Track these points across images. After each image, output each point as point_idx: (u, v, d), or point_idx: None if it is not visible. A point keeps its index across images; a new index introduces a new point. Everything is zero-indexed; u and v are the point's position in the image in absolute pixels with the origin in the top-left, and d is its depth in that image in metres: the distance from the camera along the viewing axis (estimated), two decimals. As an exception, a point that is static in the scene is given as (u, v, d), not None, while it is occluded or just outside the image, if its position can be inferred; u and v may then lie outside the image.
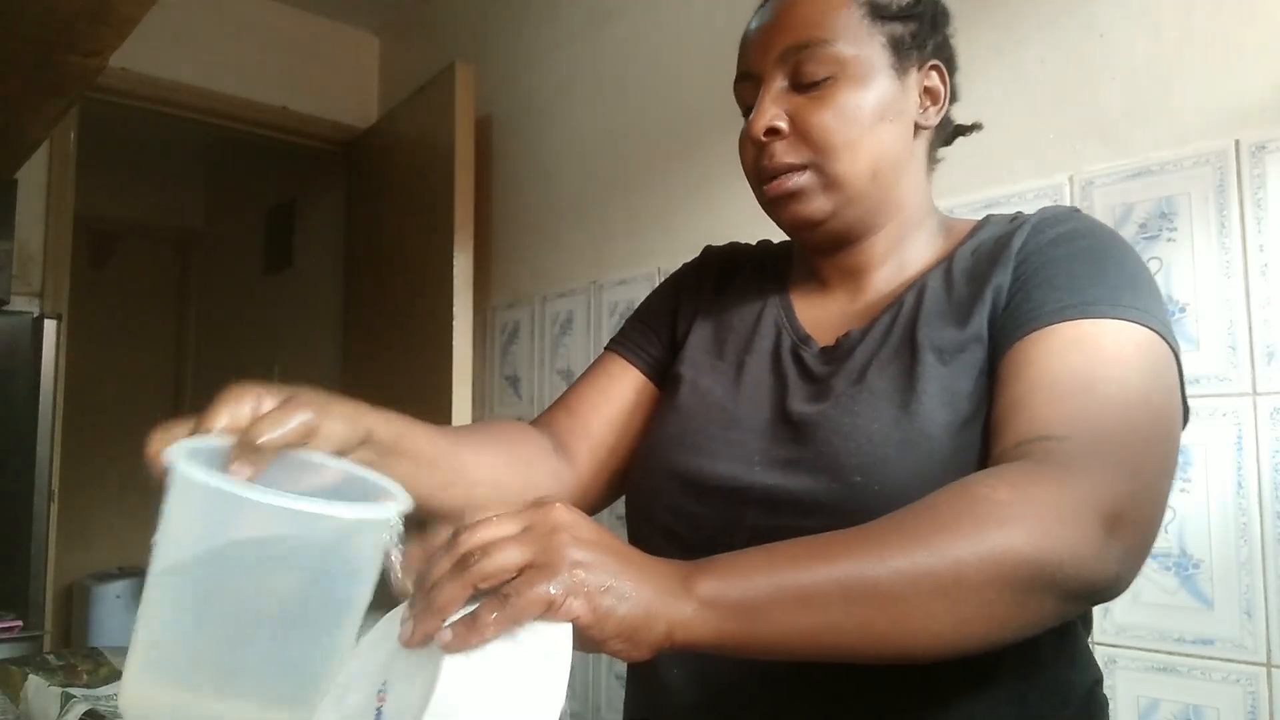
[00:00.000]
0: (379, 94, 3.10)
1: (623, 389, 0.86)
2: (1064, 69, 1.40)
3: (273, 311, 3.74)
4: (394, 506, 0.51)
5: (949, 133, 0.83)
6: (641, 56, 2.12)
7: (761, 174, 0.75)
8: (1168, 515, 1.26)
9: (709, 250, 0.94)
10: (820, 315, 0.79)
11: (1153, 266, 1.29)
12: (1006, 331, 0.66)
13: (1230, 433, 1.21)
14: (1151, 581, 1.26)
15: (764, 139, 0.73)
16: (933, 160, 0.82)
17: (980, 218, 0.80)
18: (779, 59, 0.75)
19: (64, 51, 1.31)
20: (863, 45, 0.72)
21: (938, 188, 1.40)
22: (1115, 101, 1.35)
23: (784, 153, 0.73)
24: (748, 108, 0.77)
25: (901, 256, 0.78)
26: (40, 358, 1.92)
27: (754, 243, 0.97)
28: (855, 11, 0.73)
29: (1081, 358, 0.62)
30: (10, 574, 1.85)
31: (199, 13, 2.70)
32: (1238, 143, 1.23)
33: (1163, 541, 1.26)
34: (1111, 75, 1.35)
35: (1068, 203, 1.38)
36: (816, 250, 0.80)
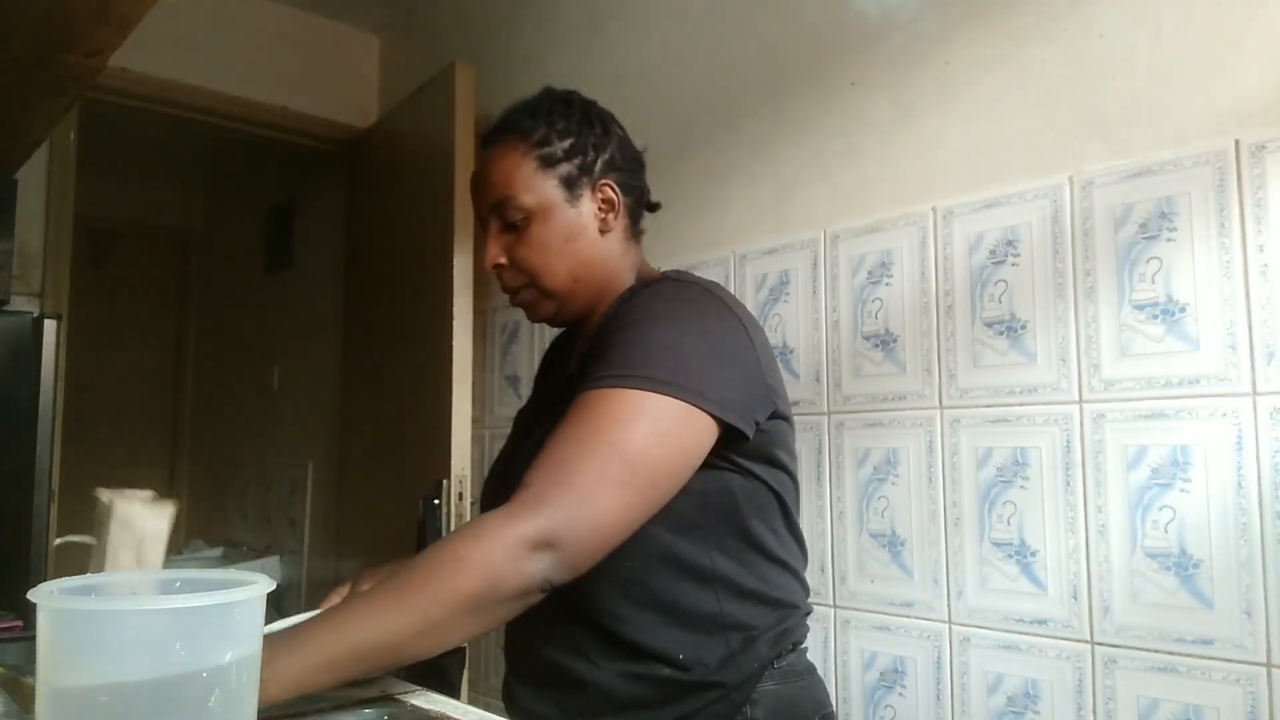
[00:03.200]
0: (379, 94, 3.09)
1: None
2: (1064, 69, 1.40)
3: (273, 311, 3.74)
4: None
5: (643, 210, 1.08)
6: (640, 56, 2.12)
7: (506, 292, 1.05)
8: (1167, 515, 1.26)
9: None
10: (570, 357, 1.09)
11: (1153, 266, 1.29)
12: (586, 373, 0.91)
13: (1230, 433, 1.21)
14: (1151, 581, 1.26)
15: (493, 270, 1.03)
16: (636, 235, 1.07)
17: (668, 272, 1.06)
18: (489, 210, 1.02)
19: (64, 51, 1.31)
20: (540, 192, 0.99)
21: (938, 189, 1.40)
22: (1115, 101, 1.35)
23: (510, 279, 1.03)
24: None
25: (605, 317, 1.01)
26: (40, 358, 1.91)
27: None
28: (529, 166, 1.00)
29: (580, 418, 0.85)
30: (10, 574, 1.85)
31: (199, 13, 2.70)
32: (1238, 143, 1.23)
33: (1163, 541, 1.26)
34: (1111, 75, 1.36)
35: (1067, 202, 1.38)
36: (564, 327, 1.12)
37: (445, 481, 2.21)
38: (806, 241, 1.73)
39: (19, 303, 2.26)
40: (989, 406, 1.45)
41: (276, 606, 3.25)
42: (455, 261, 2.30)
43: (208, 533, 4.02)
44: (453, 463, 2.22)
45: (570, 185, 1.00)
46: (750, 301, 1.82)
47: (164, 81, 2.66)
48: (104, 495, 1.11)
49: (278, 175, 3.74)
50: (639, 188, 1.07)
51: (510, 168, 1.00)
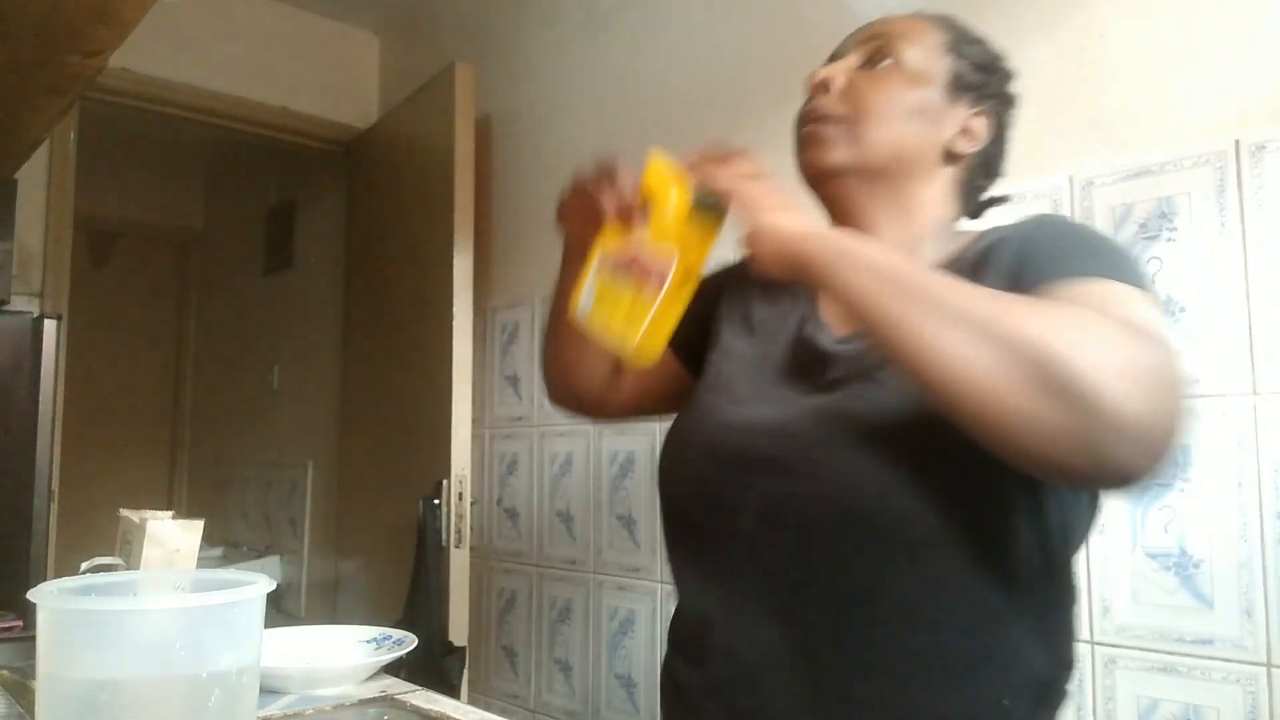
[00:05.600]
0: (379, 94, 3.09)
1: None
2: (1064, 69, 1.40)
3: (273, 311, 3.74)
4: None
5: (980, 190, 0.90)
6: (641, 56, 2.12)
7: (804, 118, 0.86)
8: (1167, 515, 1.26)
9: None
10: (838, 308, 0.84)
11: (1152, 267, 1.29)
12: (1022, 288, 0.68)
13: (1230, 433, 1.21)
14: (1151, 581, 1.26)
15: (816, 90, 0.85)
16: (969, 200, 0.88)
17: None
18: (862, 42, 0.86)
19: (64, 51, 1.31)
20: (931, 61, 0.84)
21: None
22: (1115, 101, 1.35)
23: (829, 104, 0.84)
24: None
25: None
26: (40, 358, 1.91)
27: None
28: (938, 36, 0.85)
29: (1103, 296, 0.65)
30: (10, 574, 1.85)
31: (199, 13, 2.70)
32: (1238, 143, 1.23)
33: (1163, 541, 1.26)
34: (1111, 75, 1.36)
35: (1067, 203, 1.38)
36: (823, 205, 0.88)
37: (445, 481, 2.21)
38: (806, 241, 1.73)
39: (19, 303, 2.26)
40: (989, 406, 1.45)
41: (276, 606, 3.25)
42: (455, 261, 2.30)
43: (208, 533, 4.00)
44: (453, 463, 2.22)
45: (956, 83, 0.83)
46: (750, 301, 1.82)
47: (164, 81, 2.66)
48: (133, 515, 1.11)
49: (278, 175, 3.74)
50: (994, 176, 0.89)
51: (915, 27, 0.86)
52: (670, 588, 1.91)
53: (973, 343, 0.58)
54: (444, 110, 2.38)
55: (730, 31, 1.90)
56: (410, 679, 1.04)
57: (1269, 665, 1.16)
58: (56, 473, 2.13)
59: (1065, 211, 1.38)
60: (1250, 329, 1.20)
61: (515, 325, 2.42)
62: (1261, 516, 1.18)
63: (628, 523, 2.03)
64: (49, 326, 1.94)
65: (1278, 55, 1.21)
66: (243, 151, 3.92)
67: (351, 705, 0.93)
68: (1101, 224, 1.35)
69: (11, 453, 1.90)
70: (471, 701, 0.93)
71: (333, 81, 3.01)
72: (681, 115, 2.00)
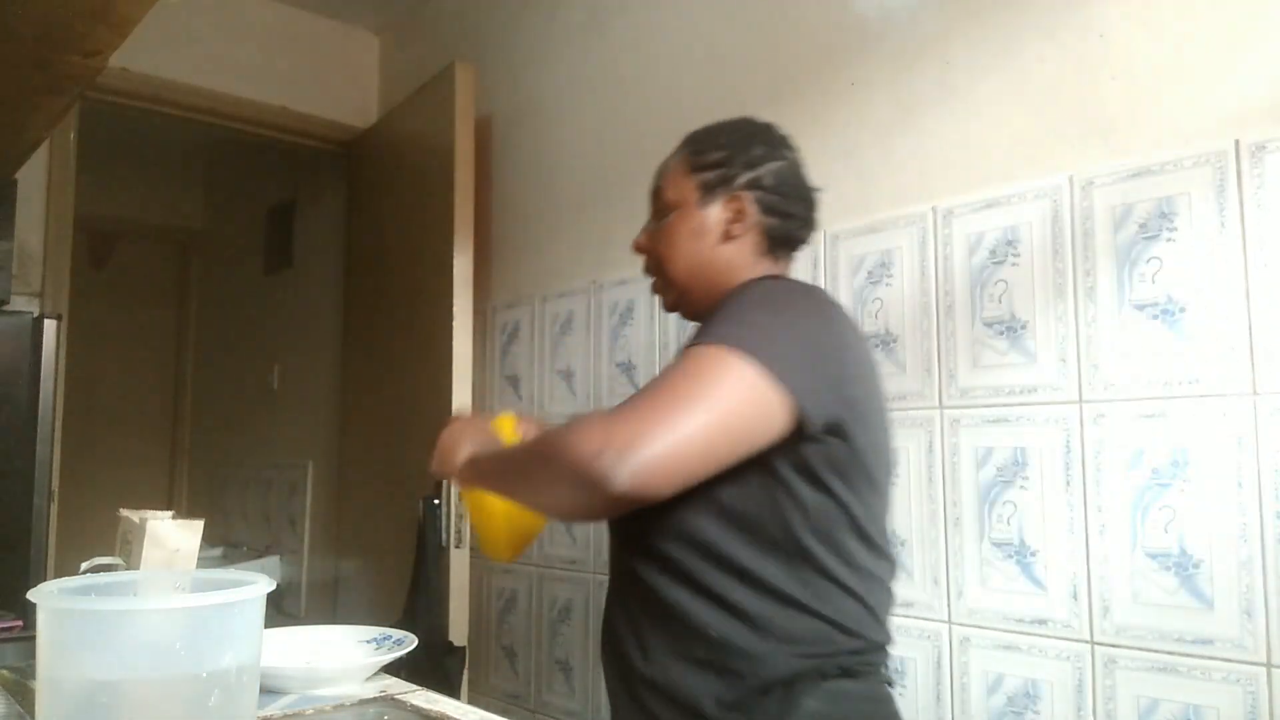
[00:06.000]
0: (379, 94, 3.09)
1: None
2: (1064, 69, 1.40)
3: (273, 311, 3.73)
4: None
5: (791, 236, 1.15)
6: (641, 56, 2.12)
7: (645, 274, 1.19)
8: (1167, 515, 1.26)
9: None
10: None
11: (1152, 267, 1.29)
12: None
13: (1230, 433, 1.21)
14: (1151, 581, 1.26)
15: (637, 253, 1.18)
16: (775, 255, 1.14)
17: None
18: (650, 199, 1.18)
19: (64, 51, 1.31)
20: (680, 190, 1.12)
21: (938, 189, 1.39)
22: (1115, 101, 1.35)
23: (647, 265, 1.17)
24: None
25: None
26: (40, 358, 1.91)
27: None
28: (682, 168, 1.14)
29: (672, 367, 0.94)
30: (10, 574, 1.85)
31: (199, 13, 2.70)
32: (1238, 143, 1.23)
33: (1163, 541, 1.26)
34: (1111, 75, 1.35)
35: (1067, 202, 1.38)
36: (691, 320, 1.18)
37: (446, 481, 2.21)
38: (806, 241, 1.73)
39: (19, 303, 2.26)
40: (989, 406, 1.45)
41: (276, 606, 3.25)
42: (455, 261, 2.30)
43: (208, 533, 3.99)
44: (453, 463, 2.21)
45: (706, 190, 1.11)
46: (750, 301, 1.82)
47: (164, 81, 2.66)
48: (133, 515, 1.11)
49: (278, 175, 3.74)
50: (789, 214, 1.12)
51: (669, 167, 1.16)
52: (670, 588, 1.91)
53: (521, 474, 1.02)
54: (444, 110, 2.37)
55: (730, 31, 1.90)
56: (410, 679, 1.04)
57: (1269, 665, 1.16)
58: (56, 473, 2.12)
59: (1065, 211, 1.38)
60: (1250, 329, 1.20)
61: (515, 325, 2.42)
62: (1261, 516, 1.18)
63: (628, 523, 2.03)
64: (49, 326, 1.94)
65: (1278, 55, 1.21)
66: (243, 151, 3.92)
67: (351, 705, 0.93)
68: (1101, 224, 1.35)
69: (11, 453, 1.90)
70: (471, 701, 0.93)
71: (333, 81, 3.01)
72: (681, 115, 1.99)
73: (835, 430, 0.94)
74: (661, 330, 1.99)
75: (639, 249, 1.17)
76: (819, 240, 1.70)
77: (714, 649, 0.95)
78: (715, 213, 1.10)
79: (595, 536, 2.10)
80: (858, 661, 0.96)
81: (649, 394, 0.90)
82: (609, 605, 1.11)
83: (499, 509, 1.09)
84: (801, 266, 1.72)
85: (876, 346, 1.60)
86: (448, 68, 2.39)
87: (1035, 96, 1.44)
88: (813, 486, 0.95)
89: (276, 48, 2.90)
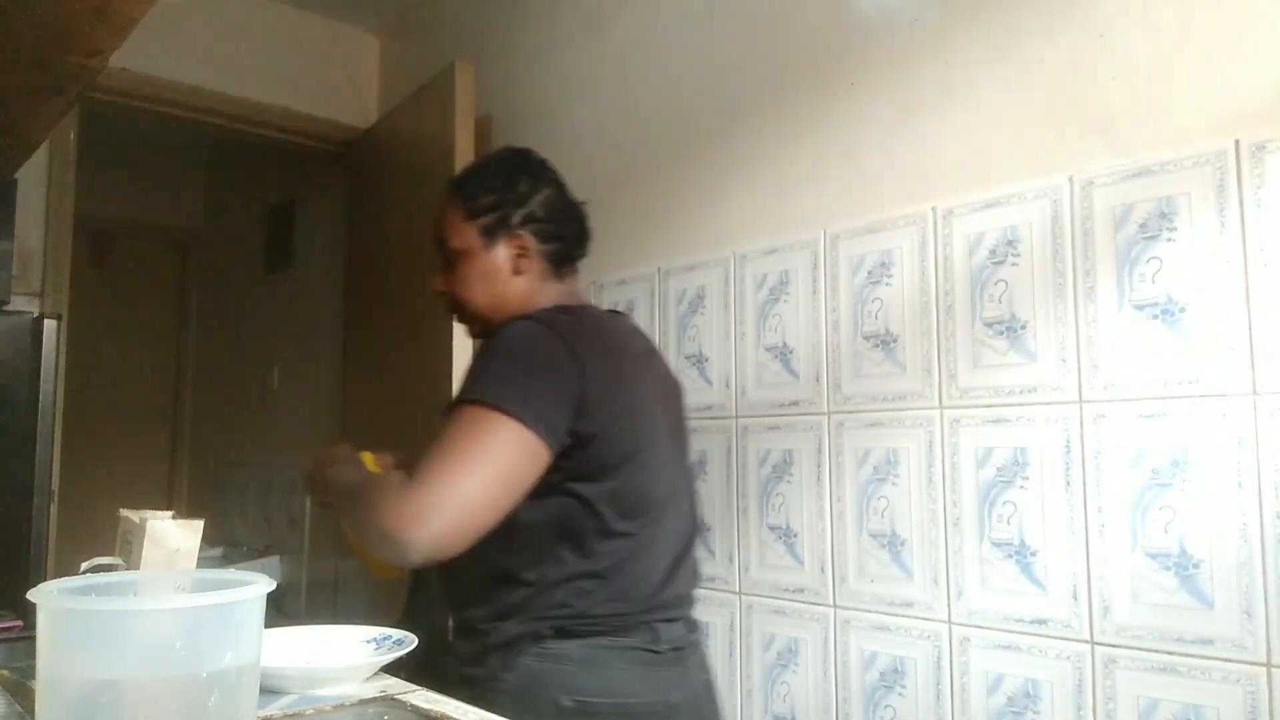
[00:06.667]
0: (379, 94, 3.09)
1: None
2: (1064, 69, 1.40)
3: (273, 311, 3.73)
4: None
5: (571, 251, 1.29)
6: (641, 56, 2.12)
7: (449, 310, 1.30)
8: (1167, 515, 1.26)
9: None
10: None
11: (1152, 267, 1.29)
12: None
13: (1230, 433, 1.21)
14: (1151, 581, 1.26)
15: (435, 296, 1.29)
16: (560, 273, 1.28)
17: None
18: (435, 246, 1.28)
19: (64, 51, 1.31)
20: (463, 238, 1.24)
21: (938, 189, 1.38)
22: (1115, 101, 1.35)
23: (447, 303, 1.28)
24: None
25: None
26: (40, 358, 1.91)
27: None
28: (458, 214, 1.25)
29: (443, 427, 1.08)
30: (10, 574, 1.85)
31: (199, 13, 2.70)
32: (1238, 143, 1.23)
33: (1163, 541, 1.26)
34: (1111, 75, 1.36)
35: (1067, 202, 1.38)
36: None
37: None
38: (806, 241, 1.73)
39: (19, 303, 2.26)
40: (989, 406, 1.45)
41: (276, 606, 3.24)
42: (455, 261, 2.29)
43: (208, 533, 3.99)
44: (453, 463, 2.21)
45: (487, 234, 1.24)
46: (750, 301, 1.82)
47: (164, 81, 2.66)
48: (133, 515, 1.11)
49: (278, 175, 3.74)
50: (564, 236, 1.27)
51: (446, 217, 1.26)
52: (670, 588, 1.92)
53: (354, 527, 1.11)
54: (444, 110, 2.37)
55: (730, 31, 1.90)
56: (410, 679, 1.04)
57: (1269, 665, 1.16)
58: (56, 473, 2.12)
59: (1065, 212, 1.38)
60: (1250, 329, 1.20)
61: (515, 325, 2.42)
62: (1261, 516, 1.18)
63: (628, 523, 2.03)
64: (49, 326, 1.94)
65: (1278, 55, 1.21)
66: (243, 151, 3.92)
67: (351, 705, 0.93)
68: (1101, 224, 1.35)
69: (11, 453, 1.90)
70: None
71: (333, 81, 3.01)
72: (681, 115, 2.00)
73: (579, 443, 1.09)
74: (661, 330, 1.99)
75: (437, 293, 1.28)
76: (819, 240, 1.70)
77: (466, 621, 1.19)
78: (501, 253, 1.24)
79: (595, 536, 2.10)
80: (580, 625, 1.11)
81: (435, 462, 1.04)
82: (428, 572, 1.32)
83: None
84: (802, 267, 1.73)
85: (876, 346, 1.60)
86: (447, 68, 2.39)
87: (1035, 96, 1.44)
88: (557, 494, 1.10)
89: (276, 48, 2.90)
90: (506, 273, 1.24)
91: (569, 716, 1.08)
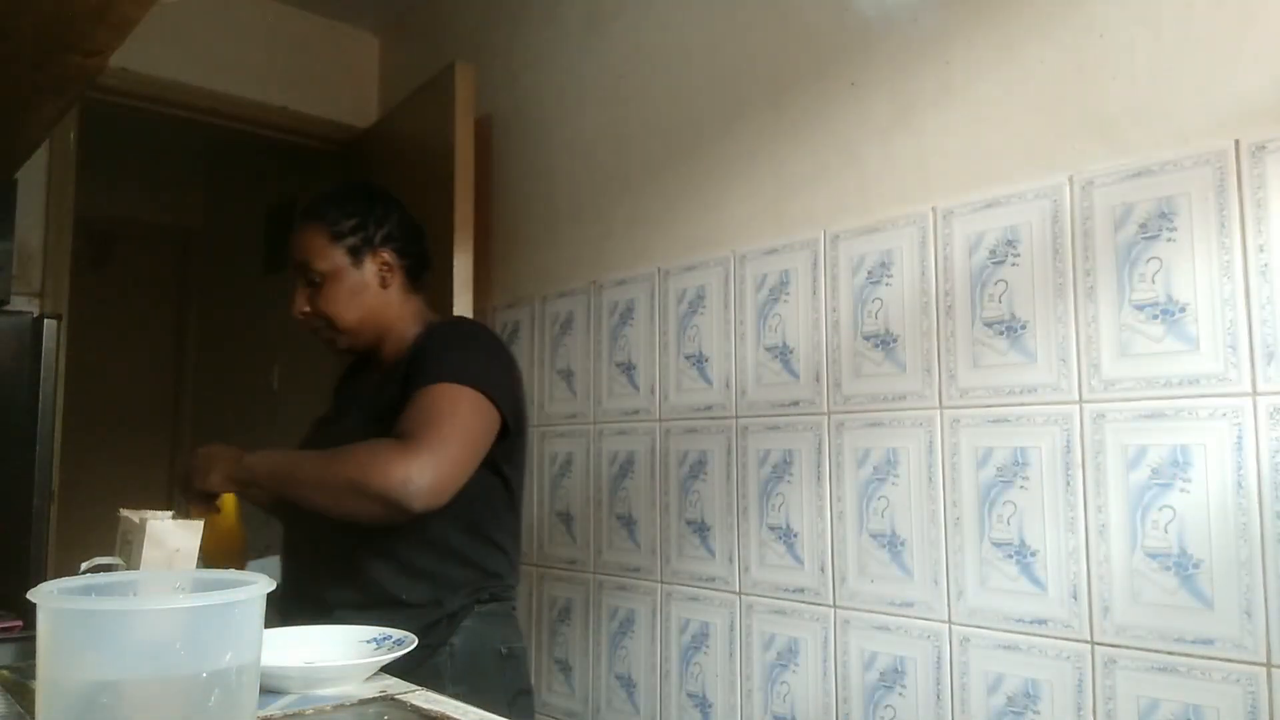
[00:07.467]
0: (379, 94, 3.09)
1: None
2: (1064, 69, 1.40)
3: (273, 311, 3.72)
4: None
5: (422, 268, 1.49)
6: (641, 56, 2.12)
7: (310, 330, 1.45)
8: (1167, 515, 1.26)
9: None
10: (369, 380, 1.49)
11: (1153, 266, 1.29)
12: (409, 390, 1.29)
13: (1230, 433, 1.21)
14: (1151, 581, 1.27)
15: (299, 318, 1.43)
16: (416, 287, 1.48)
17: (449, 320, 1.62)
18: (297, 271, 1.43)
19: (64, 51, 1.31)
20: (331, 260, 1.40)
21: (938, 189, 1.39)
22: (1115, 101, 1.35)
23: (311, 323, 1.43)
24: None
25: (397, 349, 1.43)
26: (40, 358, 1.91)
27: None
28: (323, 240, 1.40)
29: (429, 400, 1.25)
30: (10, 574, 1.85)
31: (199, 13, 2.69)
32: (1238, 143, 1.23)
33: (1163, 541, 1.26)
34: (1111, 75, 1.36)
35: (1067, 202, 1.38)
36: (360, 355, 1.52)
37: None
38: (806, 241, 1.73)
39: (19, 303, 2.26)
40: (989, 406, 1.45)
41: (276, 607, 3.24)
42: (455, 261, 2.30)
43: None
44: (453, 463, 2.21)
45: (354, 253, 1.40)
46: (750, 301, 1.82)
47: (164, 81, 2.66)
48: (133, 515, 1.11)
49: (278, 175, 3.73)
50: (416, 253, 1.47)
51: (310, 242, 1.41)
52: (670, 588, 1.91)
53: (324, 491, 1.23)
54: (444, 110, 2.37)
55: (730, 31, 1.90)
56: (410, 679, 1.04)
57: (1269, 665, 1.16)
58: (56, 473, 2.12)
59: (1065, 212, 1.38)
60: (1250, 329, 1.20)
61: (515, 325, 2.42)
62: (1261, 516, 1.18)
63: (627, 523, 2.03)
64: (49, 326, 1.94)
65: (1278, 55, 1.21)
66: (243, 151, 3.92)
67: (351, 705, 0.93)
68: (1101, 224, 1.35)
69: (11, 453, 1.90)
70: (471, 701, 0.93)
71: (333, 81, 3.01)
72: (681, 115, 2.00)
73: (508, 429, 1.32)
74: (661, 330, 1.99)
75: (303, 315, 1.42)
76: (819, 240, 1.70)
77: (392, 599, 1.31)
78: (369, 269, 1.41)
79: (595, 536, 2.11)
80: (502, 590, 1.37)
81: (429, 428, 1.20)
82: (305, 555, 1.41)
83: (235, 530, 1.32)
84: (802, 267, 1.73)
85: (876, 346, 1.60)
86: (447, 68, 2.39)
87: (1035, 97, 1.44)
88: (491, 472, 1.33)
89: (276, 48, 2.90)
90: (375, 287, 1.42)
91: (505, 660, 1.34)
